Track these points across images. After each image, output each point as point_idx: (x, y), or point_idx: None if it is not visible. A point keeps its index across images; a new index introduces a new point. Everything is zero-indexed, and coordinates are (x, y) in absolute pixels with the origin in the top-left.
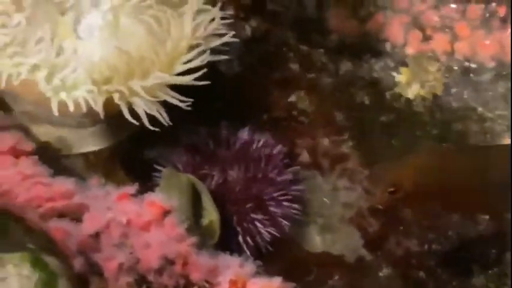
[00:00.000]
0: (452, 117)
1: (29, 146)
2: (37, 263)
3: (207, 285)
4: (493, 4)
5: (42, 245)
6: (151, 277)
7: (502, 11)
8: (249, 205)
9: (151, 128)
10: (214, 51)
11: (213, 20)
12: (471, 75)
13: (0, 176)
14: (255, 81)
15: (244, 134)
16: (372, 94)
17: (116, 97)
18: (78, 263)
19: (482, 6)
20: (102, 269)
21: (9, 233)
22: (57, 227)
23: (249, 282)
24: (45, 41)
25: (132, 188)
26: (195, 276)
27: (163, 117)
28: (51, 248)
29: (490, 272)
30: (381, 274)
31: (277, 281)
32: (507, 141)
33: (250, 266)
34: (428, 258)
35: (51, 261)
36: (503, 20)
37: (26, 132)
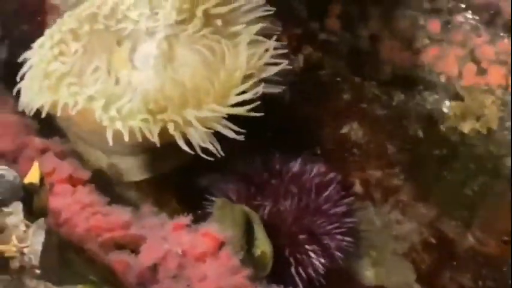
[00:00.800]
0: (507, 151)
1: (85, 174)
2: None
3: None
4: None
5: (103, 276)
6: None
7: None
8: (302, 236)
9: (205, 157)
10: (267, 81)
11: (267, 50)
12: None
13: (60, 204)
14: (308, 111)
15: (296, 165)
16: (426, 127)
17: (171, 127)
18: None
19: None
20: None
21: (71, 264)
22: (118, 259)
23: None
24: (102, 70)
25: (187, 219)
26: None
27: (217, 149)
28: (112, 280)
29: None
30: None
31: None
32: None
33: None
34: None
35: None
36: None
37: (80, 159)
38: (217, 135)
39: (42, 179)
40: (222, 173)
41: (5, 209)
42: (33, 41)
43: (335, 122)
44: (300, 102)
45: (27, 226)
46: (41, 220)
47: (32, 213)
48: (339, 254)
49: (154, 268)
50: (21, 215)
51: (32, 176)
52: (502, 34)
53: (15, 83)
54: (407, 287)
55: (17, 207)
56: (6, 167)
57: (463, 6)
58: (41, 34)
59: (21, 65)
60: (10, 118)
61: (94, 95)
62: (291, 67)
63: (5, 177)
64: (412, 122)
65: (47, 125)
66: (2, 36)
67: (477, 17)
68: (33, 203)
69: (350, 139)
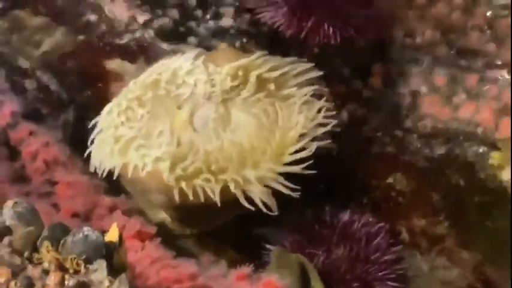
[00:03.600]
0: None
1: (152, 229)
2: None
3: None
4: None
5: None
6: None
7: None
8: (355, 284)
9: (267, 212)
10: (316, 137)
11: (319, 111)
12: None
13: (132, 259)
14: (354, 164)
15: (345, 215)
16: (467, 176)
17: (232, 186)
18: None
19: None
20: None
21: None
22: None
23: None
24: (166, 133)
25: (248, 269)
26: None
27: (273, 206)
28: None
29: None
30: None
31: None
32: None
33: None
34: None
35: None
36: None
37: (143, 214)
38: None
39: (120, 237)
40: (275, 225)
41: (90, 267)
42: (96, 106)
43: (380, 173)
44: (347, 155)
45: (111, 282)
46: (123, 275)
47: (113, 269)
48: None
49: None
50: (105, 272)
51: (112, 235)
52: None
53: (81, 146)
54: None
55: (101, 264)
56: (89, 228)
57: (499, 62)
58: (103, 99)
59: (86, 128)
60: (81, 179)
61: (161, 156)
62: (338, 128)
63: (89, 238)
64: (454, 171)
65: (112, 184)
66: (68, 101)
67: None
68: (113, 259)
69: (395, 188)
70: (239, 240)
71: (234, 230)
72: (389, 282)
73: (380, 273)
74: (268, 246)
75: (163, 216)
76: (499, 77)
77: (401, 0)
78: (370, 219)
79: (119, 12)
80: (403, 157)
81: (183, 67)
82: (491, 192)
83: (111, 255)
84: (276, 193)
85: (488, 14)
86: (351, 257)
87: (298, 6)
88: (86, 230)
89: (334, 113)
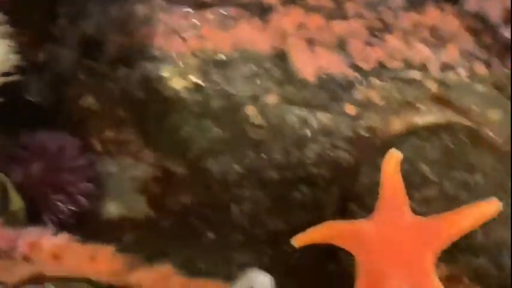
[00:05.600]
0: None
1: None
2: None
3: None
4: None
5: None
6: None
7: None
8: (49, 190)
9: None
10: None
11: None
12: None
13: None
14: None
15: (41, 135)
16: (146, 89)
17: None
18: None
19: None
20: None
21: None
22: None
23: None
24: None
25: None
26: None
27: None
28: None
29: None
30: None
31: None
32: None
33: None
34: None
35: None
36: None
37: None
38: None
39: None
40: None
41: None
42: None
43: (74, 97)
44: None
45: None
46: None
47: None
48: (83, 199)
49: None
50: None
51: None
52: None
53: None
54: (141, 211)
55: None
56: None
57: None
58: None
59: None
60: None
61: None
62: None
63: None
64: (135, 88)
65: None
66: None
67: None
68: None
69: (87, 109)
70: None
71: None
72: (81, 184)
73: (72, 178)
74: None
75: None
76: None
77: None
78: (64, 136)
79: None
80: (93, 81)
81: None
82: (166, 100)
83: None
84: None
85: None
86: (46, 170)
87: None
88: None
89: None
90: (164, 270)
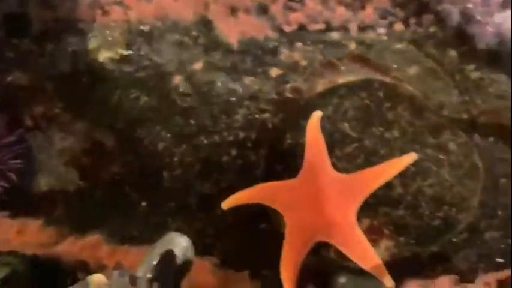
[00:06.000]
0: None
1: None
2: None
3: None
4: None
5: None
6: None
7: None
8: None
9: None
10: None
11: None
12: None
13: None
14: None
15: None
16: (73, 62)
17: None
18: None
19: None
20: None
21: None
22: None
23: None
24: None
25: None
26: None
27: None
28: None
29: None
30: None
31: None
32: None
33: None
34: None
35: None
36: None
37: None
38: None
39: None
40: None
41: None
42: None
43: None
44: None
45: None
46: None
47: None
48: (13, 175)
49: None
50: None
51: None
52: None
53: None
54: (73, 183)
55: None
56: None
57: None
58: None
59: None
60: None
61: None
62: None
63: None
64: (62, 62)
65: None
66: None
67: None
68: None
69: (16, 85)
70: None
71: None
72: (10, 161)
73: (2, 155)
74: None
75: None
76: None
77: None
78: None
79: None
80: (20, 58)
81: None
82: (93, 72)
83: None
84: None
85: None
86: None
87: None
88: None
89: None
90: (92, 239)
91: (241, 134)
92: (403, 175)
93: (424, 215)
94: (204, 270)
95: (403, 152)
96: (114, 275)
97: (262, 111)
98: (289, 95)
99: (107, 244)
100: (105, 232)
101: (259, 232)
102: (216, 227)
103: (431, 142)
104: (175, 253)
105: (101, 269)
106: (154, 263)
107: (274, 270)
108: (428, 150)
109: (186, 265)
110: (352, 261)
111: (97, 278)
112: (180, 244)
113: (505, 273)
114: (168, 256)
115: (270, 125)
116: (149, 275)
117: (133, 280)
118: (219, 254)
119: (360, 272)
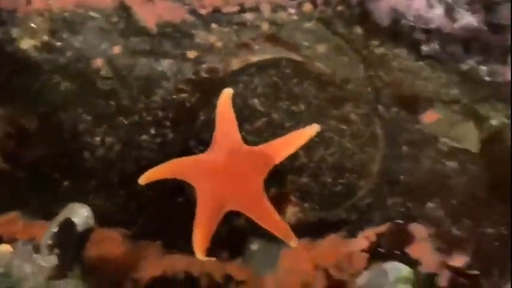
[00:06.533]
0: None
1: None
2: None
3: None
4: None
5: None
6: None
7: None
8: None
9: None
10: None
11: None
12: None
13: None
14: None
15: None
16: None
17: None
18: None
19: None
20: None
21: None
22: None
23: None
24: None
25: None
26: None
27: None
28: None
29: None
30: None
31: None
32: None
33: None
34: None
35: None
36: None
37: None
38: None
39: None
40: None
41: None
42: None
43: None
44: None
45: None
46: None
47: None
48: None
49: None
50: None
51: None
52: None
53: None
54: None
55: None
56: None
57: None
58: None
59: None
60: None
61: None
62: None
63: None
64: None
65: None
66: None
67: None
68: None
69: None
70: None
71: None
72: None
73: None
74: None
75: None
76: None
77: None
78: None
79: None
80: None
81: None
82: (17, 60)
83: None
84: None
85: None
86: None
87: None
88: None
89: None
90: (9, 216)
91: (160, 114)
92: (307, 145)
93: (327, 182)
94: (114, 242)
95: (307, 124)
96: (19, 244)
97: (180, 91)
98: (205, 75)
99: (24, 219)
100: (26, 211)
101: (177, 205)
102: (136, 201)
103: (334, 114)
104: (76, 222)
105: (13, 242)
106: (54, 230)
107: (187, 240)
108: (331, 121)
109: (87, 233)
110: (263, 228)
111: (2, 247)
112: (80, 214)
113: (381, 228)
114: (67, 224)
115: (187, 104)
116: (50, 242)
117: (37, 247)
118: (136, 227)
119: (269, 238)
